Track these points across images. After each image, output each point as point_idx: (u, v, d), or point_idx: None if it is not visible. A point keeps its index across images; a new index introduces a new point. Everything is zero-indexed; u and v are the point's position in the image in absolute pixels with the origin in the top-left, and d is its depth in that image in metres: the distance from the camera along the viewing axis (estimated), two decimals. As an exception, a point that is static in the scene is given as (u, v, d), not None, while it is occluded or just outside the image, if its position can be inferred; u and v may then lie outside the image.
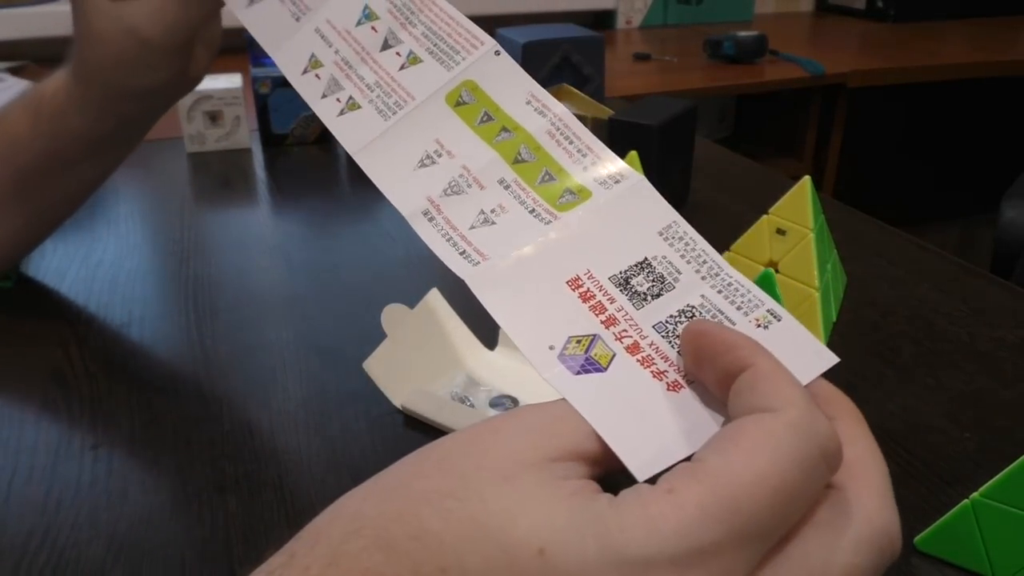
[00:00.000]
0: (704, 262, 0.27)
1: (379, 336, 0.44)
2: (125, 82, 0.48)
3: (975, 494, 0.34)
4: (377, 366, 0.44)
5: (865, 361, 0.51)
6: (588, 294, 0.26)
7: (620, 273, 0.26)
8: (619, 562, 0.19)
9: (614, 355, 0.24)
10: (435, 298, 0.48)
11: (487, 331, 0.49)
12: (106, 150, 0.54)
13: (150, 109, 0.54)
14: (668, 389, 0.24)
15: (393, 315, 0.46)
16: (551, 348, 0.25)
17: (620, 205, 0.28)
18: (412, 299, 0.49)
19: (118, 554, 0.36)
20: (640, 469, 0.22)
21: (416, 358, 0.46)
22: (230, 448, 0.43)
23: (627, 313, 0.25)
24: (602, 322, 0.25)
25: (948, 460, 0.42)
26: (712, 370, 0.23)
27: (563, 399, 0.23)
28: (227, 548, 0.37)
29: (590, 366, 0.24)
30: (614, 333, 0.25)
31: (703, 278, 0.26)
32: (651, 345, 0.25)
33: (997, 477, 0.33)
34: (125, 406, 0.46)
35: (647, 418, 0.23)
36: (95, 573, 0.35)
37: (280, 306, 0.58)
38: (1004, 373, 0.49)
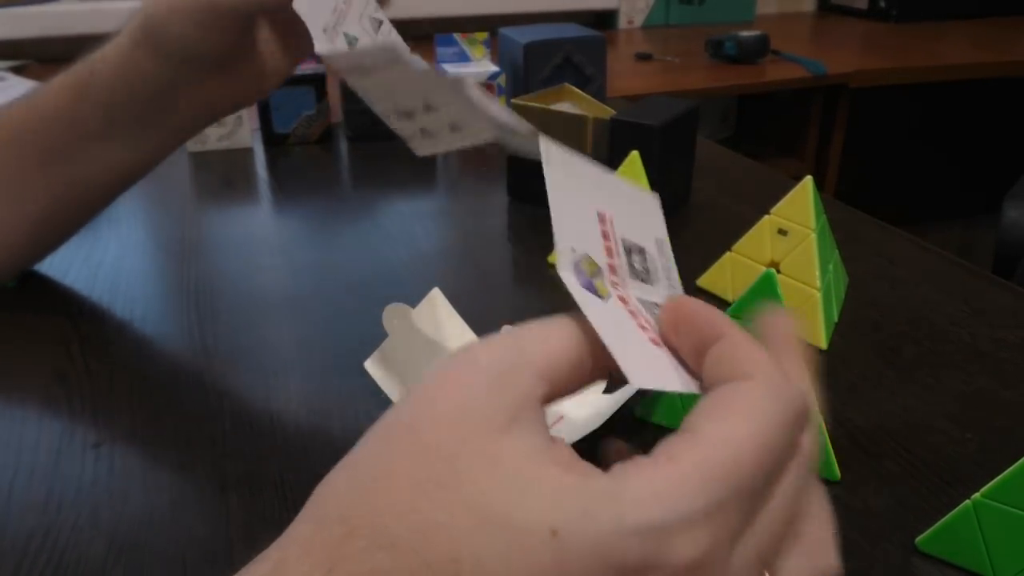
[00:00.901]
0: (672, 285, 0.30)
1: (380, 335, 0.44)
2: (182, 40, 0.48)
3: (976, 495, 0.34)
4: (378, 365, 0.44)
5: (866, 361, 0.51)
6: (606, 234, 0.28)
7: (628, 241, 0.28)
8: (635, 531, 0.20)
9: (610, 295, 0.26)
10: (436, 297, 0.48)
11: (488, 331, 0.49)
12: (144, 131, 0.53)
13: (203, 97, 0.52)
14: (650, 341, 0.25)
15: (394, 314, 0.46)
16: (573, 250, 0.25)
17: (641, 201, 0.32)
18: (413, 298, 0.49)
19: (119, 554, 0.36)
20: (637, 377, 0.23)
21: (417, 357, 0.46)
22: (231, 447, 0.43)
23: (623, 272, 0.27)
24: (608, 264, 0.27)
25: (949, 460, 0.42)
26: (689, 337, 0.25)
27: (502, 345, 0.24)
28: (228, 547, 0.37)
29: (592, 290, 0.25)
30: (612, 280, 0.26)
31: (671, 288, 0.29)
32: (635, 306, 0.26)
33: (998, 478, 0.33)
34: (126, 405, 0.46)
35: (640, 347, 0.24)
36: (96, 573, 0.35)
37: (281, 305, 0.58)
38: (1005, 373, 0.49)
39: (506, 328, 0.25)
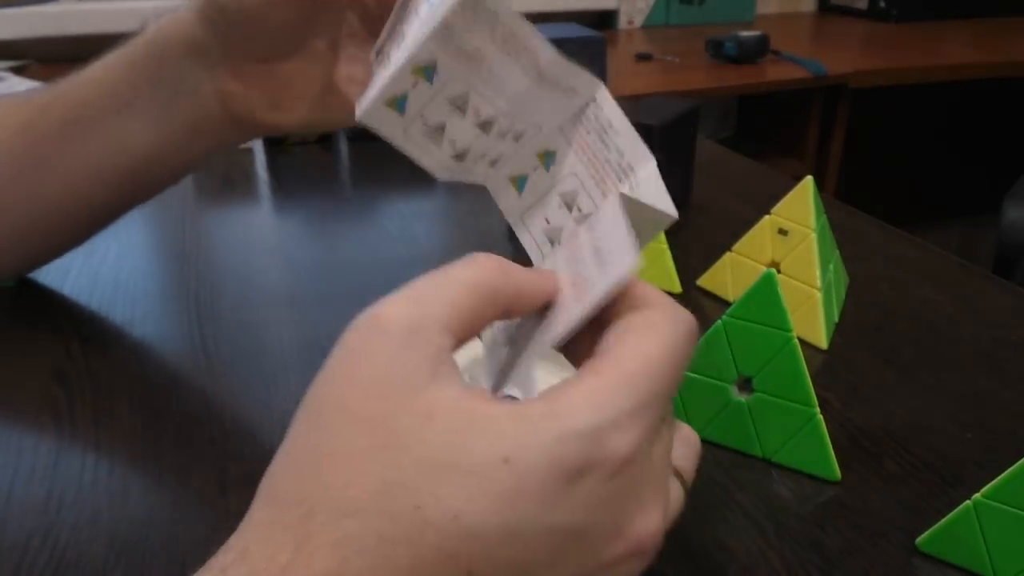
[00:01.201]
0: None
1: (380, 336, 0.44)
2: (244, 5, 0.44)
3: (977, 495, 0.34)
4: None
5: (867, 361, 0.51)
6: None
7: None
8: (575, 435, 0.23)
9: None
10: None
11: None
12: (167, 113, 0.49)
13: (242, 97, 0.48)
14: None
15: None
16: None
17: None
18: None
19: (119, 554, 0.36)
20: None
21: None
22: (232, 448, 0.43)
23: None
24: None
25: (950, 461, 0.42)
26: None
27: (404, 305, 0.26)
28: (228, 548, 0.37)
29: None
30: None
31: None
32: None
33: (999, 478, 0.33)
34: (127, 405, 0.46)
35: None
36: (96, 573, 0.35)
37: (282, 305, 0.58)
38: (1006, 373, 0.49)
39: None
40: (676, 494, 0.28)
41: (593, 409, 0.23)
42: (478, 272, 0.26)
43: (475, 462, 0.22)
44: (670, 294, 0.58)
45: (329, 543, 0.22)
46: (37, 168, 0.51)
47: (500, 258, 0.27)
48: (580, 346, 0.28)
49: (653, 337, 0.25)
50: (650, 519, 0.25)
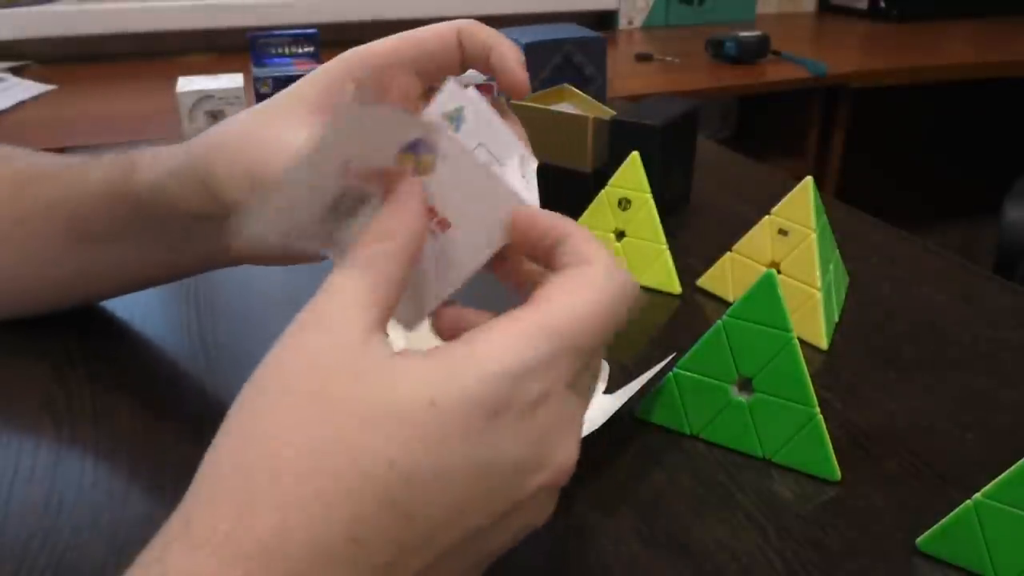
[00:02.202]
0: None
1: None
2: (228, 184, 0.38)
3: (977, 495, 0.34)
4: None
5: (867, 361, 0.51)
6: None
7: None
8: (493, 376, 0.25)
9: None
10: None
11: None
12: (171, 249, 0.45)
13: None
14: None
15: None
16: None
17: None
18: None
19: (119, 555, 0.36)
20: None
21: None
22: (231, 448, 0.43)
23: None
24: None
25: (950, 461, 0.42)
26: (542, 240, 0.29)
27: (322, 301, 0.27)
28: (228, 548, 0.37)
29: None
30: None
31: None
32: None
33: (1000, 478, 0.33)
34: (127, 406, 0.46)
35: None
36: (96, 574, 0.35)
37: (282, 305, 0.58)
38: (1006, 373, 0.49)
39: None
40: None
41: (510, 353, 0.25)
42: (366, 252, 0.28)
43: (403, 408, 0.24)
44: (670, 294, 0.58)
45: (269, 505, 0.23)
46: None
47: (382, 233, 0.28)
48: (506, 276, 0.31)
49: (584, 294, 0.27)
50: (568, 452, 0.27)
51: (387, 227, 0.28)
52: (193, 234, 0.43)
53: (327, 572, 0.23)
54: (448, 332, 0.30)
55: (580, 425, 0.28)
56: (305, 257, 0.41)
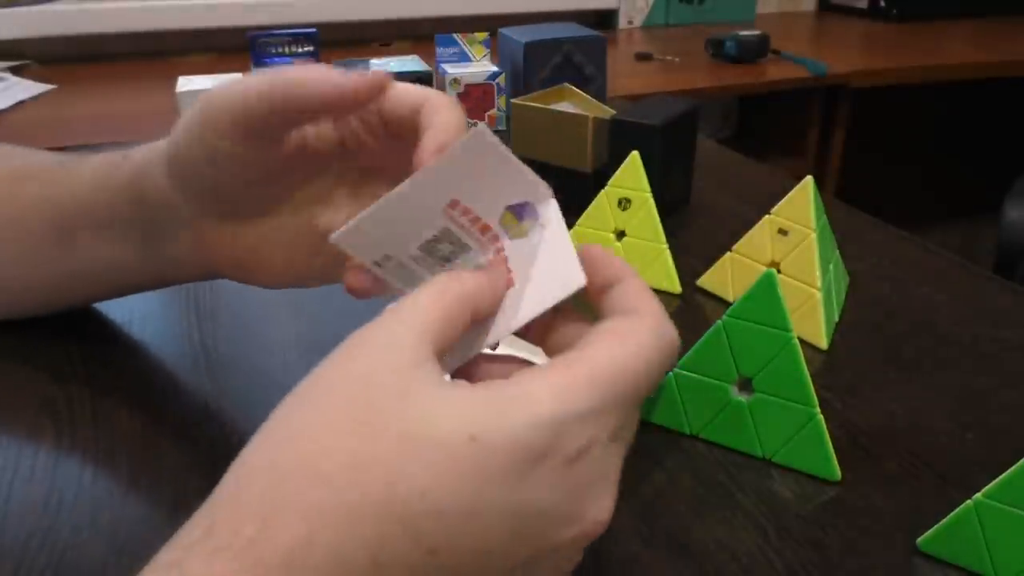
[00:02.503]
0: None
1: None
2: (203, 170, 0.38)
3: (978, 495, 0.34)
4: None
5: (867, 361, 0.51)
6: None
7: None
8: (539, 424, 0.24)
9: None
10: None
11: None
12: (149, 249, 0.44)
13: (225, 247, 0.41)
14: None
15: None
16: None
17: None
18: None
19: (119, 555, 0.36)
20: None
21: None
22: (232, 448, 0.43)
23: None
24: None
25: (951, 461, 0.42)
26: (595, 278, 0.29)
27: (387, 321, 0.27)
28: (228, 548, 0.37)
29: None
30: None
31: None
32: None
33: (1000, 478, 0.33)
34: (126, 406, 0.46)
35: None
36: (96, 574, 0.35)
37: (281, 305, 0.58)
38: (1007, 373, 0.49)
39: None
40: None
41: (560, 401, 0.25)
42: (441, 287, 0.28)
43: (443, 438, 0.24)
44: (670, 294, 0.58)
45: (297, 514, 0.23)
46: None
47: (457, 274, 0.28)
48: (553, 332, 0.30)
49: (631, 346, 0.27)
50: (602, 508, 0.27)
51: (471, 275, 0.29)
52: (182, 234, 0.41)
53: None
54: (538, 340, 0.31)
55: (617, 481, 0.27)
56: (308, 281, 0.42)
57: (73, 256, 0.46)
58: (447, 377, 0.27)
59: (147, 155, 0.41)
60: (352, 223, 0.30)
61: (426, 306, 0.27)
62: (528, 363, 0.29)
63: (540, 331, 0.30)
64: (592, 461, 0.25)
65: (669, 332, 0.28)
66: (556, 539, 0.26)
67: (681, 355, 0.43)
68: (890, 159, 1.93)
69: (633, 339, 0.27)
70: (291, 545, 0.22)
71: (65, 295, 0.51)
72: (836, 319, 0.55)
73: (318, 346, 0.52)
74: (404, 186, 0.28)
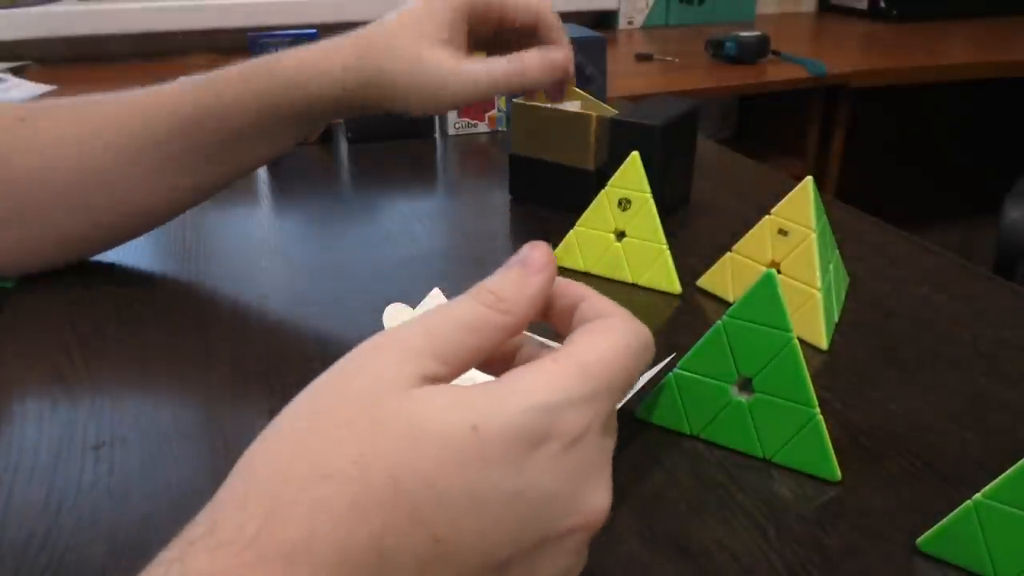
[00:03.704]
0: None
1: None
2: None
3: (978, 495, 0.34)
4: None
5: (867, 362, 0.51)
6: None
7: None
8: (535, 408, 0.25)
9: None
10: (437, 297, 0.48)
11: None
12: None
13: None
14: None
15: (395, 315, 0.46)
16: None
17: None
18: (414, 298, 0.49)
19: (119, 556, 0.36)
20: None
21: None
22: (232, 449, 0.43)
23: None
24: None
25: (950, 461, 0.42)
26: (562, 300, 0.31)
27: (403, 331, 0.28)
28: (228, 549, 0.37)
29: None
30: None
31: None
32: None
33: (1000, 478, 0.33)
34: (127, 406, 0.46)
35: None
36: (96, 575, 0.35)
37: (282, 306, 0.58)
38: (1006, 373, 0.49)
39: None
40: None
41: (554, 389, 0.26)
42: (465, 308, 0.28)
43: (446, 430, 0.24)
44: (670, 295, 0.58)
45: (301, 509, 0.23)
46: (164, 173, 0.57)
47: (493, 296, 0.29)
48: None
49: (609, 337, 0.28)
50: (601, 498, 0.27)
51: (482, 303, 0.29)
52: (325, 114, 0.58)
53: None
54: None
55: (610, 476, 0.28)
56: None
57: (227, 157, 0.58)
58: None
59: (338, 62, 0.56)
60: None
61: (431, 316, 0.28)
62: None
63: (502, 366, 0.31)
64: (588, 448, 0.27)
65: (642, 328, 0.30)
66: (558, 526, 0.26)
67: (681, 355, 0.43)
68: (890, 159, 1.93)
69: (612, 333, 0.29)
70: (294, 539, 0.22)
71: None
72: (836, 319, 0.55)
73: (318, 346, 0.52)
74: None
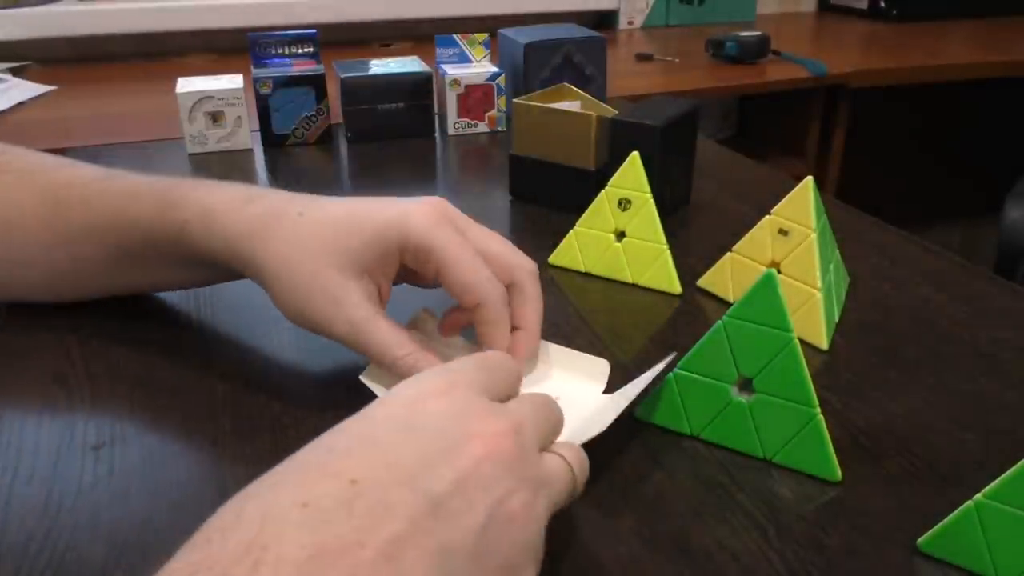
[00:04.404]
0: None
1: (380, 337, 0.44)
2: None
3: (978, 496, 0.34)
4: (376, 375, 0.44)
5: (867, 362, 0.50)
6: None
7: None
8: (409, 383, 0.33)
9: None
10: (426, 320, 0.48)
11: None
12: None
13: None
14: None
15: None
16: None
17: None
18: (414, 298, 0.49)
19: (119, 556, 0.36)
20: None
21: None
22: (232, 450, 0.43)
23: None
24: None
25: (951, 461, 0.42)
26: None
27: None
28: (228, 549, 0.37)
29: None
30: None
31: None
32: None
33: (1000, 478, 0.33)
34: (127, 407, 0.46)
35: None
36: (96, 575, 0.35)
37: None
38: (1007, 374, 0.49)
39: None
40: (565, 475, 0.33)
41: (440, 368, 0.35)
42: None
43: (368, 410, 0.32)
44: (670, 295, 0.58)
45: (297, 501, 0.26)
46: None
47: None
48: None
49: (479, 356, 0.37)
50: (495, 422, 0.31)
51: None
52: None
53: (279, 535, 0.25)
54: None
55: (503, 413, 0.32)
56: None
57: (125, 274, 0.53)
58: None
59: (225, 233, 0.47)
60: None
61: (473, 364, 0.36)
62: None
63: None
64: (460, 398, 0.32)
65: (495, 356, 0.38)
66: (459, 454, 0.29)
67: (681, 355, 0.43)
68: (890, 159, 1.93)
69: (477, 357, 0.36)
70: (225, 521, 0.26)
71: (101, 292, 0.55)
72: (836, 319, 0.55)
73: (318, 348, 0.52)
74: None
